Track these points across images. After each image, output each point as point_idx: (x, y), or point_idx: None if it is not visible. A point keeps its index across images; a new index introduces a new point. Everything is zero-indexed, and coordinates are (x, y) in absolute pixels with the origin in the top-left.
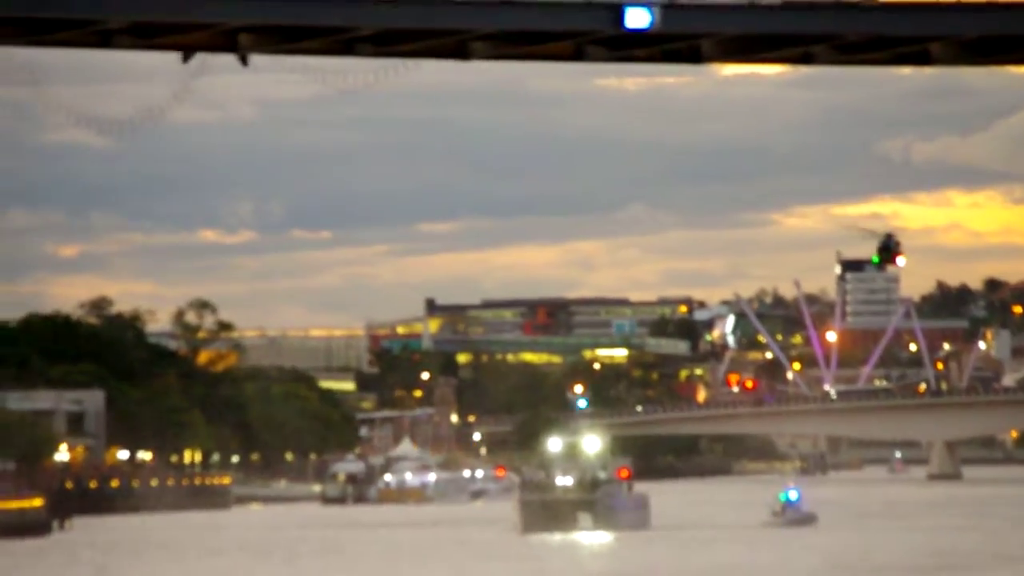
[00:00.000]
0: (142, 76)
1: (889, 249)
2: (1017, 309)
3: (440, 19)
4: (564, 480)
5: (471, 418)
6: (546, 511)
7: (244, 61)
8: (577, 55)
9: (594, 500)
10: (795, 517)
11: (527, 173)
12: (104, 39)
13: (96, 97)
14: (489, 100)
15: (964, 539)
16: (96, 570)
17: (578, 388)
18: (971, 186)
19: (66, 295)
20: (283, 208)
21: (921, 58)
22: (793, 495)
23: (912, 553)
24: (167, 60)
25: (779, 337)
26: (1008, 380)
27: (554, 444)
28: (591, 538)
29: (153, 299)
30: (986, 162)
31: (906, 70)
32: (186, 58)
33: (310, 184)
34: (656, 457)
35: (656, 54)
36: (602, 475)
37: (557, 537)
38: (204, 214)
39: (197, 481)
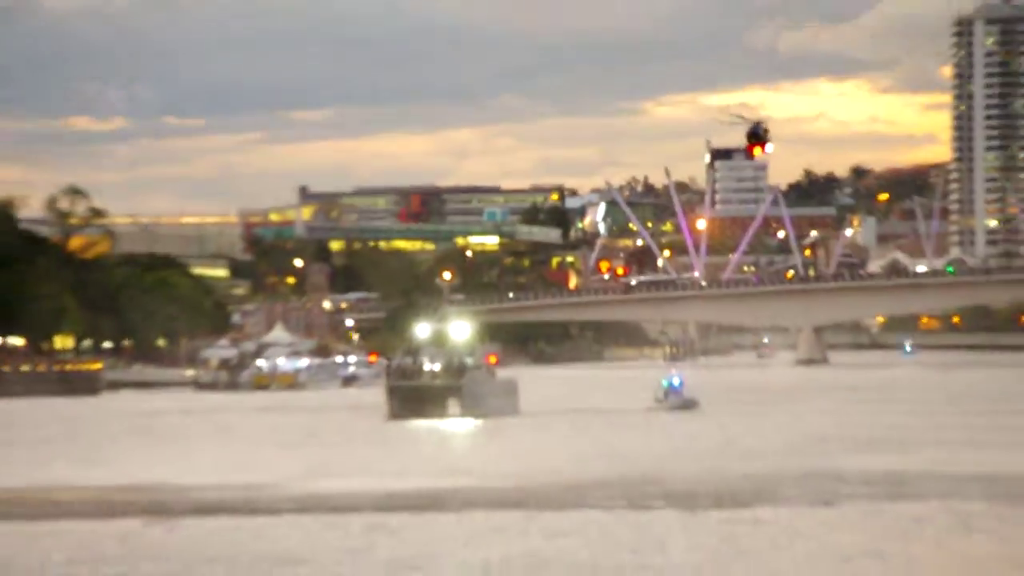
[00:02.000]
0: None
1: (758, 135)
2: (882, 196)
3: None
4: (432, 366)
5: (343, 305)
6: (413, 397)
7: None
8: None
9: (461, 386)
10: (678, 402)
11: (401, 63)
12: None
13: None
14: None
15: (829, 421)
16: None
17: (446, 275)
18: (838, 75)
19: None
20: (156, 95)
21: None
22: (676, 381)
23: (787, 435)
24: None
25: (649, 225)
26: (874, 266)
27: (422, 330)
28: (459, 424)
29: (24, 185)
30: (853, 51)
31: None
32: None
33: (184, 71)
34: (528, 344)
35: None
36: (470, 361)
37: (423, 423)
38: (76, 100)
39: (68, 367)
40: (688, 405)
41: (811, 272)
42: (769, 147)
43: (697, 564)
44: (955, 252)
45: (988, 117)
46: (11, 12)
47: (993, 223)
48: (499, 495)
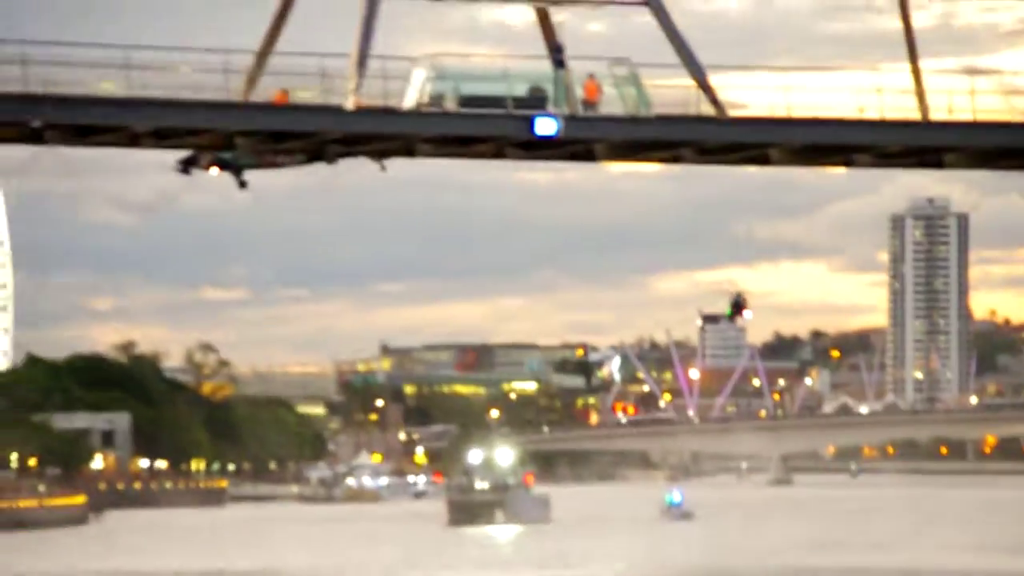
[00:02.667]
0: (160, 168)
1: (739, 305)
2: (835, 353)
3: (392, 126)
4: (482, 484)
5: (415, 436)
6: (468, 508)
7: (242, 184)
8: (498, 155)
9: (505, 500)
10: (679, 513)
11: (461, 245)
12: (132, 140)
13: (124, 185)
14: (432, 188)
15: (803, 528)
16: (128, 550)
17: (494, 413)
18: (800, 258)
19: (100, 339)
20: (271, 271)
21: (762, 160)
22: (677, 497)
23: (767, 540)
24: (179, 156)
25: (654, 374)
26: (827, 408)
27: (475, 456)
28: (503, 530)
29: (168, 342)
30: (811, 240)
31: (751, 168)
32: (185, 169)
33: (291, 254)
34: (558, 467)
35: (560, 155)
36: (512, 480)
37: (476, 529)
38: (208, 276)
39: (201, 484)
40: (687, 516)
41: (779, 412)
42: (748, 314)
43: None
44: (890, 397)
45: (916, 293)
46: (156, 206)
47: (919, 375)
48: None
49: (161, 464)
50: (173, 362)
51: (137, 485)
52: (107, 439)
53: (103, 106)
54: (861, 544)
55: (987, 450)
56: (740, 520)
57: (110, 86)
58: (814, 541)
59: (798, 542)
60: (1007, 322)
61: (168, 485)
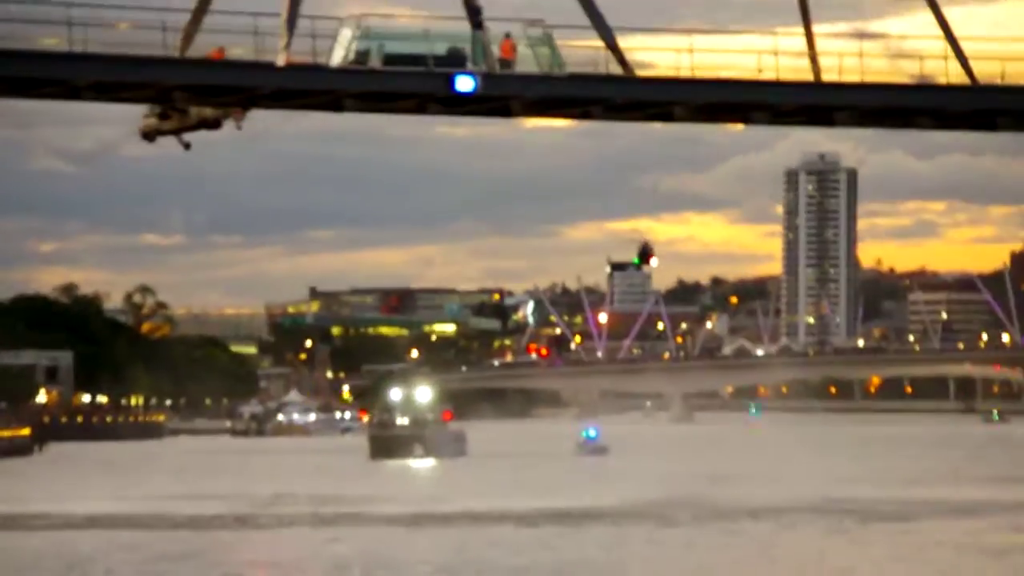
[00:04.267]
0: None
1: (646, 254)
2: (733, 299)
3: (320, 82)
4: (402, 420)
5: (341, 374)
6: (388, 443)
7: (187, 146)
8: (420, 110)
9: (423, 435)
10: (594, 448)
11: (385, 195)
12: (74, 94)
13: (68, 136)
14: (357, 141)
15: (706, 462)
16: (69, 479)
17: (415, 353)
18: (702, 210)
19: (45, 282)
20: (206, 219)
21: (667, 116)
22: (592, 432)
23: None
24: (120, 109)
25: (565, 318)
26: (726, 350)
27: (395, 394)
28: (421, 463)
29: (108, 285)
30: (712, 193)
31: (657, 125)
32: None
33: (225, 202)
34: (474, 404)
35: (478, 110)
36: (430, 416)
37: (394, 462)
38: (147, 222)
39: (140, 418)
40: (601, 450)
41: (681, 354)
42: (654, 262)
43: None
44: (784, 340)
45: (808, 243)
46: (95, 155)
47: (811, 320)
48: (458, 512)
49: (102, 399)
50: (113, 303)
51: (79, 419)
52: (51, 375)
53: (46, 61)
54: (760, 477)
55: (872, 389)
56: (650, 454)
57: (53, 42)
58: (716, 474)
59: (703, 474)
60: (891, 270)
61: (108, 419)
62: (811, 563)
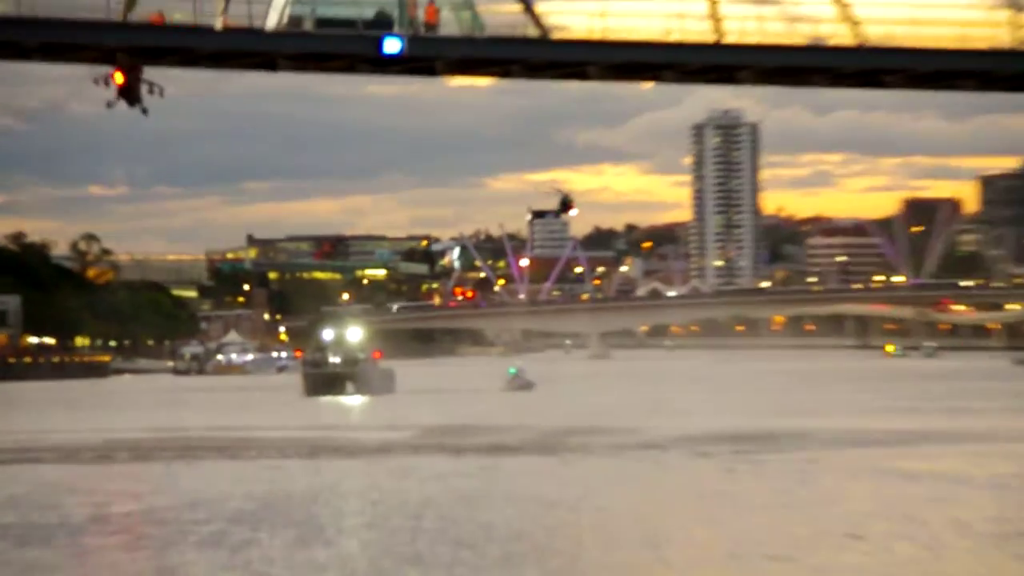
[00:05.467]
0: (49, 80)
1: (566, 203)
2: (646, 245)
3: (257, 44)
4: (335, 359)
5: (278, 316)
6: (322, 380)
7: (144, 111)
8: (350, 70)
9: (355, 373)
10: (520, 384)
11: (318, 149)
12: (23, 54)
13: (17, 94)
14: (293, 98)
15: (624, 395)
16: (21, 412)
17: (346, 296)
18: (616, 162)
19: None
20: (149, 171)
21: (581, 75)
22: (515, 369)
23: (600, 403)
24: (66, 69)
25: (489, 262)
26: (640, 292)
27: (328, 334)
28: (352, 399)
29: (55, 233)
30: (625, 146)
31: (573, 83)
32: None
33: (167, 155)
34: (404, 343)
35: (405, 70)
36: (360, 355)
37: (327, 398)
38: (92, 175)
39: (86, 359)
40: (528, 386)
41: (598, 296)
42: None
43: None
44: (694, 282)
45: (715, 192)
46: (43, 112)
47: (718, 263)
48: (385, 443)
49: (49, 341)
50: (60, 251)
51: (27, 359)
52: (0, 318)
53: None
54: (680, 409)
55: (775, 327)
56: (572, 388)
57: (2, 7)
58: (634, 405)
59: (619, 406)
60: (791, 217)
61: (55, 359)
62: (710, 490)
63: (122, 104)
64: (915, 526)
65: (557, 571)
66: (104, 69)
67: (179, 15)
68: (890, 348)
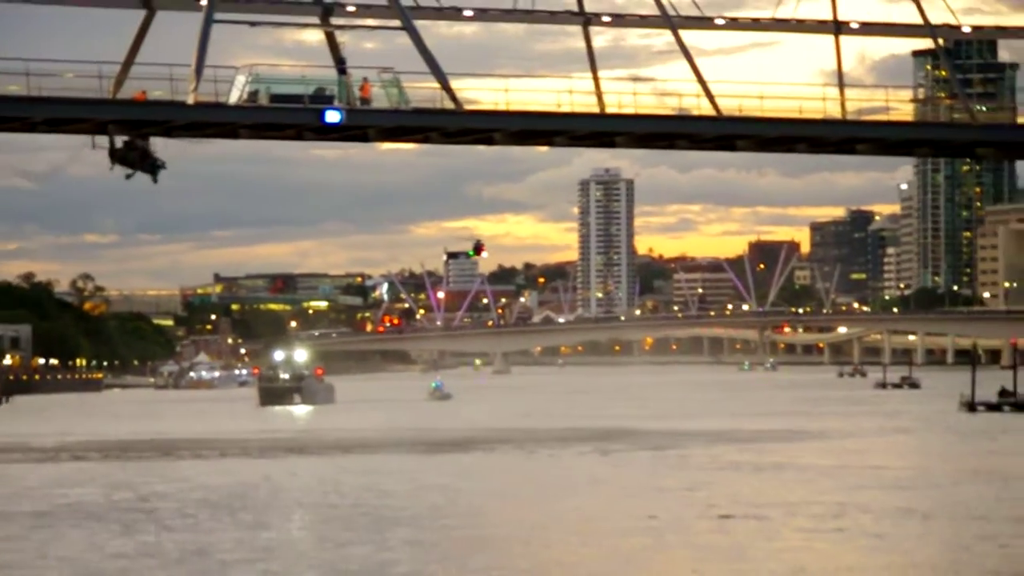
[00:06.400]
0: (52, 147)
1: (478, 247)
2: (541, 280)
3: (221, 116)
4: (285, 375)
5: (239, 340)
6: (274, 393)
7: (155, 180)
8: (298, 137)
9: (301, 387)
10: (441, 395)
11: (271, 202)
12: (31, 127)
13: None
14: (249, 160)
15: (526, 403)
16: (31, 420)
17: (293, 323)
18: (516, 212)
19: (8, 272)
20: (133, 222)
21: (488, 140)
22: (438, 382)
23: (500, 410)
24: (67, 139)
25: (412, 295)
26: (536, 318)
27: (279, 355)
28: (299, 409)
29: (58, 273)
30: (524, 198)
31: (480, 147)
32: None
33: (149, 208)
34: (342, 362)
35: (343, 136)
36: (306, 372)
37: (279, 408)
38: (87, 225)
39: (84, 376)
40: (446, 397)
41: (502, 322)
42: (484, 254)
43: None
44: (580, 311)
45: (597, 236)
46: (47, 174)
47: (600, 295)
48: (326, 444)
49: (54, 362)
50: (62, 288)
51: (36, 377)
52: (14, 343)
53: (9, 102)
54: (570, 415)
55: (646, 347)
56: (480, 398)
57: (15, 88)
58: (533, 412)
59: (519, 412)
60: (660, 257)
61: (59, 377)
62: (582, 478)
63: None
64: (761, 509)
65: (429, 543)
66: (104, 139)
67: (158, 92)
68: (744, 364)
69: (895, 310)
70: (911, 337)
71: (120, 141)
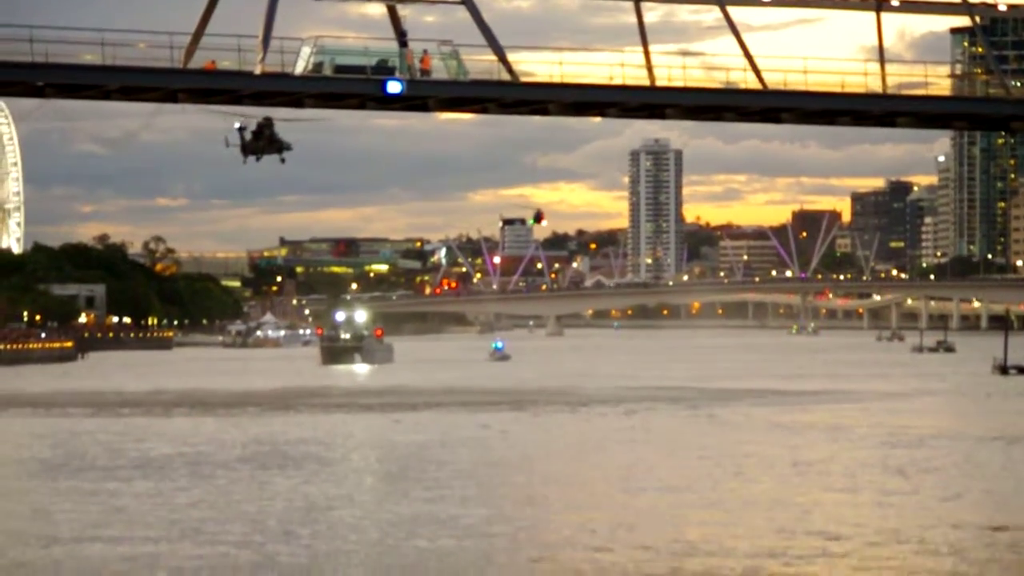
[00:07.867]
0: (126, 114)
1: (539, 216)
2: (592, 246)
3: (287, 86)
4: (346, 335)
5: (303, 301)
6: (335, 352)
7: (283, 160)
8: (361, 106)
9: (361, 346)
10: (500, 355)
11: (335, 169)
12: (106, 95)
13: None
14: (315, 128)
15: (578, 363)
16: (105, 376)
17: (354, 286)
18: (570, 180)
19: (85, 233)
20: (203, 186)
21: (543, 111)
22: (500, 344)
23: (555, 370)
24: (139, 106)
25: (469, 260)
26: (587, 283)
27: (340, 316)
28: (360, 367)
29: (131, 235)
30: (577, 168)
31: (536, 117)
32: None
33: (218, 173)
34: (401, 324)
35: (404, 107)
36: (366, 333)
37: (341, 367)
38: (159, 189)
39: (156, 335)
40: (506, 357)
41: (555, 286)
42: (544, 222)
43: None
44: (629, 276)
45: (646, 204)
46: (121, 140)
47: (649, 260)
48: (390, 398)
49: (127, 320)
50: (135, 250)
51: (110, 335)
52: (89, 303)
53: (85, 71)
54: (616, 374)
55: (694, 311)
56: (538, 359)
57: (90, 57)
58: (584, 371)
59: (574, 372)
60: (707, 224)
61: (132, 335)
62: (639, 435)
63: (181, 131)
64: (784, 468)
65: (475, 497)
66: (240, 123)
67: (227, 63)
68: (793, 328)
69: (932, 277)
70: (947, 303)
71: (249, 134)
